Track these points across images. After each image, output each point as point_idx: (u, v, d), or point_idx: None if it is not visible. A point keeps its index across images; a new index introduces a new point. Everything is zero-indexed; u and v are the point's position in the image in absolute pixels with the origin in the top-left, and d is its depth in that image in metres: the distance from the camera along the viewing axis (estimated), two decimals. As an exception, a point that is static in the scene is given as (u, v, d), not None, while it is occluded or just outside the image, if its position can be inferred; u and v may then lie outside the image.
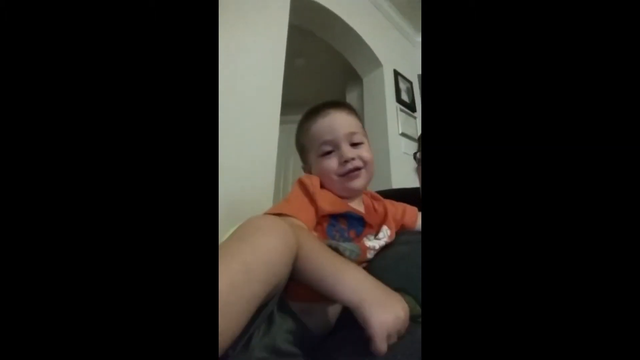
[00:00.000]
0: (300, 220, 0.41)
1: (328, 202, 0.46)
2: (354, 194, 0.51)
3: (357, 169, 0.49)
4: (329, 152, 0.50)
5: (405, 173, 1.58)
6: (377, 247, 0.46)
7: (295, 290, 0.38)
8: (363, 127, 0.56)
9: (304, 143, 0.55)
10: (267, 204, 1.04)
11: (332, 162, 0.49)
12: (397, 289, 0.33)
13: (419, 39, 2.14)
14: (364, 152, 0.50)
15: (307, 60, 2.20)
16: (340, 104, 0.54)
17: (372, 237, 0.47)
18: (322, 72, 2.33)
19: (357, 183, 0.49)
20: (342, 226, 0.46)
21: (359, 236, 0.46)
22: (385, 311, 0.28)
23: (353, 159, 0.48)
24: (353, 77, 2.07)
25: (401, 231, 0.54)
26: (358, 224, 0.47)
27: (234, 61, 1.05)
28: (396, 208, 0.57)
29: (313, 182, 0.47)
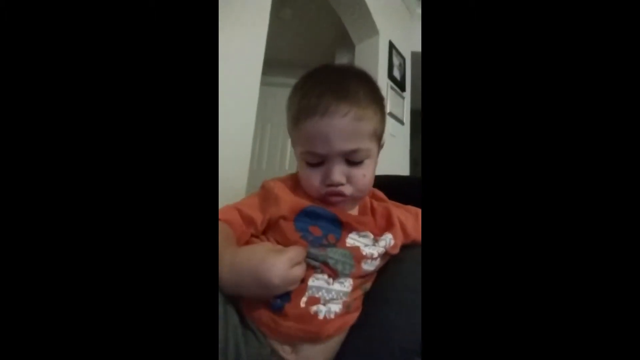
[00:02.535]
0: (231, 229, 0.36)
1: (288, 205, 0.38)
2: None
3: (341, 195, 0.37)
4: (314, 164, 0.38)
5: (390, 156, 1.53)
6: (376, 254, 0.38)
7: (277, 328, 0.32)
8: (383, 123, 0.41)
9: (289, 128, 0.41)
10: (243, 177, 0.93)
11: (314, 178, 0.38)
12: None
13: (419, 11, 1.98)
14: (359, 176, 0.37)
15: (295, 12, 1.94)
16: (350, 92, 0.36)
17: (369, 242, 0.38)
18: (310, 28, 2.09)
19: (338, 205, 0.39)
20: (315, 235, 0.37)
21: (340, 239, 0.37)
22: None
23: (341, 184, 0.37)
24: (345, 41, 1.89)
25: (413, 245, 0.42)
26: (332, 225, 0.38)
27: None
28: (406, 213, 0.43)
29: (277, 185, 0.40)
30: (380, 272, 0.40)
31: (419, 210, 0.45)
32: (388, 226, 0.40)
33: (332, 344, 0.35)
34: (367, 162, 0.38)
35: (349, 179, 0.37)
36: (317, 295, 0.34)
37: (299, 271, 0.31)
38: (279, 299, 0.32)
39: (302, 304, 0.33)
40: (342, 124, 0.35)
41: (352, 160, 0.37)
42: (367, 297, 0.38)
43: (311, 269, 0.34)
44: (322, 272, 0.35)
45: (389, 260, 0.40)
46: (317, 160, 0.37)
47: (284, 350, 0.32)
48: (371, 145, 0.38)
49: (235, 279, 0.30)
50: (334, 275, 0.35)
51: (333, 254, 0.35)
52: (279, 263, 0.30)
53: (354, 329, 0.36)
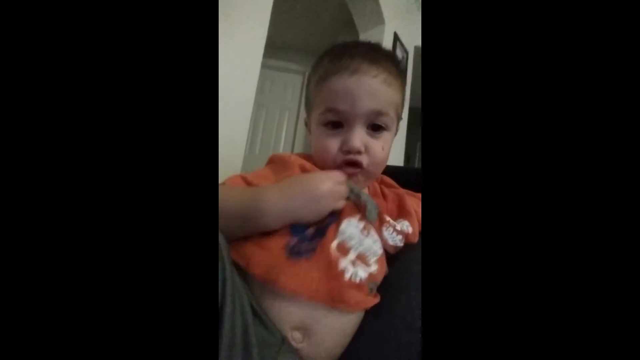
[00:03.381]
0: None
1: (303, 172, 0.37)
2: None
3: (357, 165, 0.36)
4: (334, 125, 0.36)
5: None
6: (399, 228, 0.36)
7: (297, 280, 0.30)
8: (403, 104, 0.40)
9: (311, 94, 0.39)
10: (238, 161, 0.91)
11: (332, 143, 0.36)
12: None
13: (427, 3, 1.94)
14: (377, 148, 0.36)
15: (299, -6, 1.87)
16: (382, 59, 0.36)
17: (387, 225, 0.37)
18: (313, 12, 2.02)
19: (351, 179, 0.37)
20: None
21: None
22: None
23: (359, 152, 0.35)
24: (349, 28, 1.84)
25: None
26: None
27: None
28: (419, 202, 0.41)
29: (289, 155, 0.39)
30: (395, 261, 0.37)
31: None
32: (402, 213, 0.38)
33: (348, 325, 0.32)
34: (385, 135, 0.37)
35: (367, 150, 0.36)
36: (348, 245, 0.32)
37: (344, 188, 0.33)
38: (308, 240, 0.32)
39: (334, 247, 0.31)
40: (372, 84, 0.35)
41: (374, 123, 0.36)
42: (383, 285, 0.35)
43: (348, 207, 0.34)
44: (353, 213, 0.34)
45: (403, 250, 0.37)
46: (337, 119, 0.36)
47: (294, 338, 0.30)
48: (393, 116, 0.38)
49: (285, 202, 0.31)
50: (363, 218, 0.34)
51: (365, 197, 0.35)
52: (326, 178, 0.33)
53: (371, 314, 0.33)
